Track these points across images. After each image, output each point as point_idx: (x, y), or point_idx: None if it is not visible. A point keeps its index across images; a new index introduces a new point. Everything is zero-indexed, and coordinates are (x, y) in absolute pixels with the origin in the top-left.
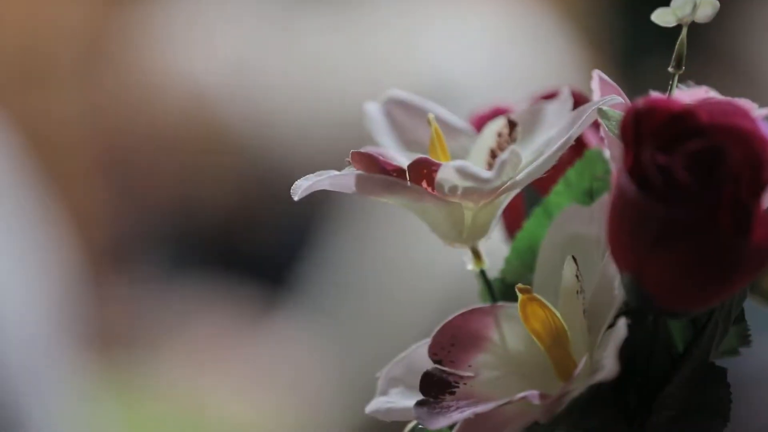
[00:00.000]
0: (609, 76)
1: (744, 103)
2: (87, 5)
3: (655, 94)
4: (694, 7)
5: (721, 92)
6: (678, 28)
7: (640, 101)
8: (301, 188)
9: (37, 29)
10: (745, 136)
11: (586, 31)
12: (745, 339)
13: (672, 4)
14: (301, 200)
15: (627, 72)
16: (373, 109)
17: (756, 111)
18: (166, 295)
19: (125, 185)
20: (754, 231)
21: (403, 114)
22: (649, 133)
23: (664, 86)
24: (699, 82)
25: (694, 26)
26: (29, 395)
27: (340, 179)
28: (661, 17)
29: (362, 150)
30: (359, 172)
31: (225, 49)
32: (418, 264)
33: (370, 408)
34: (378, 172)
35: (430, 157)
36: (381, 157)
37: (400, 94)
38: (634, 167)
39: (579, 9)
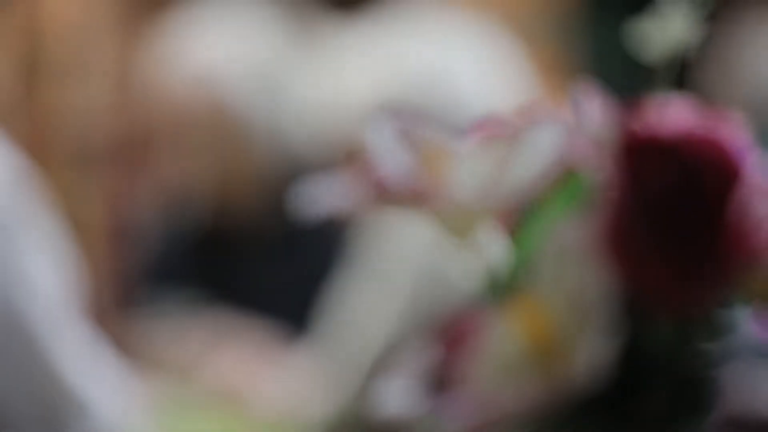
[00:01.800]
0: (578, 77)
1: (730, 122)
2: (119, 6)
3: (648, 112)
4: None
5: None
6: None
7: (633, 125)
8: (316, 212)
9: (69, 27)
10: (723, 168)
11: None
12: (727, 347)
13: (653, 43)
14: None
15: (593, 72)
16: (378, 120)
17: (739, 133)
18: (187, 322)
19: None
20: (726, 238)
21: (406, 125)
22: (639, 155)
23: (629, 86)
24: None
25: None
26: (65, 413)
27: (346, 194)
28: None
29: (365, 160)
30: (362, 184)
31: (242, 54)
32: (417, 270)
33: (372, 410)
34: (381, 183)
35: (432, 168)
36: (384, 168)
37: (403, 104)
38: (626, 184)
39: (549, 16)
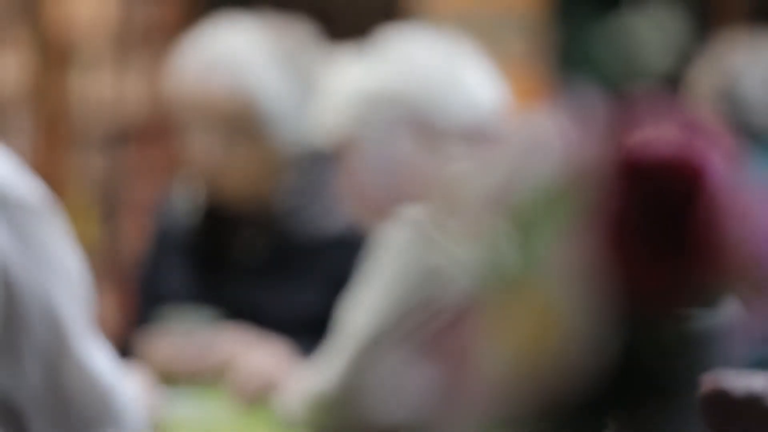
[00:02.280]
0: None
1: (712, 138)
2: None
3: (641, 127)
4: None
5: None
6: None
7: (620, 146)
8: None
9: (103, 23)
10: (696, 190)
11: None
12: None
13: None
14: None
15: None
16: (374, 119)
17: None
18: (206, 336)
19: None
20: (698, 250)
21: (402, 125)
22: (624, 175)
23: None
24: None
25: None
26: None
27: (345, 203)
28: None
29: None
30: (358, 190)
31: (265, 45)
32: (408, 265)
33: (362, 400)
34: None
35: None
36: (379, 168)
37: (398, 105)
38: (621, 199)
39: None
